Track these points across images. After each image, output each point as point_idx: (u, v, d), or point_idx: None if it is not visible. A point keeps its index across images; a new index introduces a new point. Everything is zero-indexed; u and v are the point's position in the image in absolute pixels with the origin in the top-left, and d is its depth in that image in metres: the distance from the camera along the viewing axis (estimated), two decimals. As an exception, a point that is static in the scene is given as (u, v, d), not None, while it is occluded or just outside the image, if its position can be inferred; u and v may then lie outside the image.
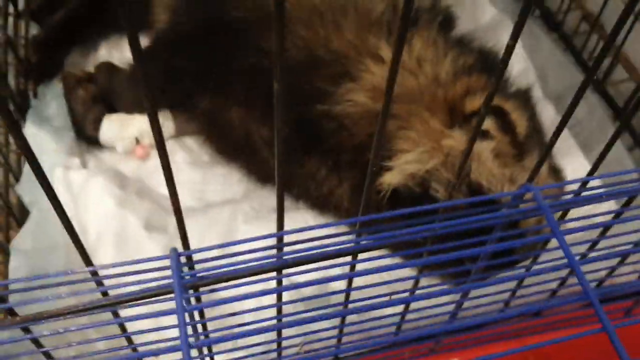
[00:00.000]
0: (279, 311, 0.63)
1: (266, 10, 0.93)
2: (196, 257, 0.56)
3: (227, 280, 0.54)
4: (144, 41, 1.08)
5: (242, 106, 0.97)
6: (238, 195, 1.05)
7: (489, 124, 0.90)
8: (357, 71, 0.92)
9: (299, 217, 1.02)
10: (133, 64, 1.06)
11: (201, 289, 0.54)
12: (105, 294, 0.52)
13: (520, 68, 1.23)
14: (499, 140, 0.90)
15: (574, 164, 1.12)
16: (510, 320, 0.81)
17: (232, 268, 0.55)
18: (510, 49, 0.44)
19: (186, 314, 0.47)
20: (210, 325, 0.60)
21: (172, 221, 0.98)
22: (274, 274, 0.57)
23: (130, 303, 0.50)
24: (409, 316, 0.72)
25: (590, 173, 0.62)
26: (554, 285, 0.75)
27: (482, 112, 0.49)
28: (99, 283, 0.53)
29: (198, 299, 0.57)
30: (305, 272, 0.56)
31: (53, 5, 1.13)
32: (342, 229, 0.75)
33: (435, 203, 0.87)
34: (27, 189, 0.95)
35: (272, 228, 1.00)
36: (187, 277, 0.53)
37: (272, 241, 0.56)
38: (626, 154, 1.12)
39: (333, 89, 0.92)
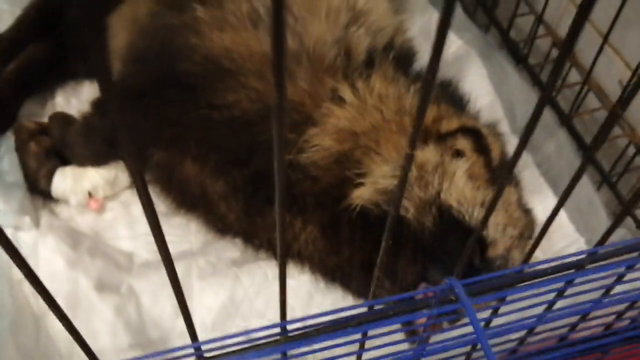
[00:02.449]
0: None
1: (215, 63, 0.91)
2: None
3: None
4: (95, 91, 1.06)
5: (196, 160, 0.95)
6: (195, 246, 1.03)
7: (464, 143, 0.89)
8: (319, 116, 0.90)
9: (259, 271, 0.99)
10: (86, 116, 1.05)
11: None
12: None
13: (487, 102, 1.21)
14: (473, 162, 0.89)
15: (544, 202, 1.10)
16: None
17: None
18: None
19: None
20: None
21: (125, 279, 0.97)
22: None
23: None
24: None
25: (557, 209, 0.59)
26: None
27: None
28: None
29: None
30: None
31: (5, 56, 1.11)
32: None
33: (403, 224, 0.87)
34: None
35: (228, 284, 0.98)
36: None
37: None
38: (594, 191, 1.10)
39: (295, 138, 0.90)
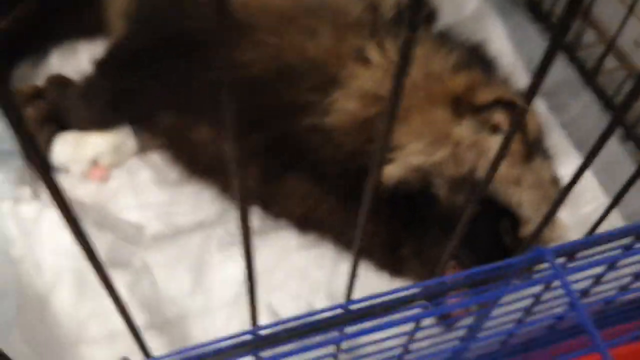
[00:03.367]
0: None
1: (229, 18, 0.83)
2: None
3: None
4: (98, 50, 0.98)
5: (212, 125, 0.88)
6: (211, 216, 0.96)
7: (501, 118, 0.83)
8: (343, 77, 0.83)
9: (279, 242, 0.93)
10: (87, 77, 0.97)
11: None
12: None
13: (507, 62, 1.15)
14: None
15: (570, 165, 1.05)
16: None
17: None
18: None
19: None
20: None
21: (137, 252, 0.90)
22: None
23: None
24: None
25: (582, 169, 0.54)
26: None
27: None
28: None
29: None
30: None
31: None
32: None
33: (435, 202, 0.82)
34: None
35: (249, 255, 0.92)
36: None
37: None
38: (622, 151, 1.06)
39: (318, 100, 0.83)
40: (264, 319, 0.88)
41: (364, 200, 0.40)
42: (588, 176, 1.09)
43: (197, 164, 0.95)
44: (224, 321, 0.86)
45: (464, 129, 0.83)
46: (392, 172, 0.81)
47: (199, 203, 0.97)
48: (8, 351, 0.76)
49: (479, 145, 0.83)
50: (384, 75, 0.85)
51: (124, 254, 0.88)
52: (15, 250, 0.85)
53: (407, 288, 0.47)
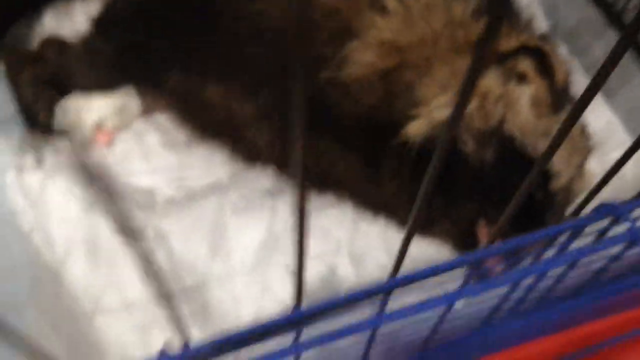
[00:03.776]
0: None
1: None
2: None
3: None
4: (94, 8, 0.92)
5: (220, 82, 0.83)
6: (223, 179, 0.92)
7: (526, 65, 0.78)
8: (358, 27, 0.78)
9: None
10: (87, 37, 0.92)
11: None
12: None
13: (524, 4, 1.09)
14: (537, 86, 0.78)
15: (595, 110, 1.01)
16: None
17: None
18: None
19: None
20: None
21: (151, 220, 0.86)
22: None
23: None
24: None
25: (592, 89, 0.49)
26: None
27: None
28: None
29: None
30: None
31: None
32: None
33: (460, 158, 0.78)
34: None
35: (265, 217, 0.89)
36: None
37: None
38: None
39: (334, 52, 0.78)
40: (284, 282, 0.85)
41: (427, 175, 0.35)
42: (614, 122, 1.04)
43: (206, 124, 0.91)
44: (244, 287, 0.83)
45: (490, 80, 0.78)
46: (418, 129, 0.77)
47: (211, 166, 0.93)
48: (23, 327, 0.74)
49: (506, 96, 0.78)
50: (401, 23, 0.80)
51: (137, 222, 0.84)
52: (23, 222, 0.81)
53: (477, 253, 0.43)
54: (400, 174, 0.81)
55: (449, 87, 0.77)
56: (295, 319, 0.40)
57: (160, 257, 0.82)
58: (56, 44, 0.93)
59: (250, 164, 0.91)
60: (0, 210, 0.80)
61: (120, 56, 0.86)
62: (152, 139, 0.94)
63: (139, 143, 0.94)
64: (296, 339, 0.44)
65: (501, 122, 0.77)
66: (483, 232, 0.77)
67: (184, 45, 0.82)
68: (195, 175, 0.92)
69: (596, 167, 0.92)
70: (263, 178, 0.91)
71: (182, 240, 0.84)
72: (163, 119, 0.97)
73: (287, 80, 0.76)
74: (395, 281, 0.44)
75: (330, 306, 0.41)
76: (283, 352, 0.40)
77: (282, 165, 0.90)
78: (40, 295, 0.78)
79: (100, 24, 0.88)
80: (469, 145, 0.77)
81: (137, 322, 0.79)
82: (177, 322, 0.41)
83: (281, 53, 0.79)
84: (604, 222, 0.46)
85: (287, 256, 0.86)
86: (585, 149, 0.85)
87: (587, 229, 0.48)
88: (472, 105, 0.77)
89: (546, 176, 0.80)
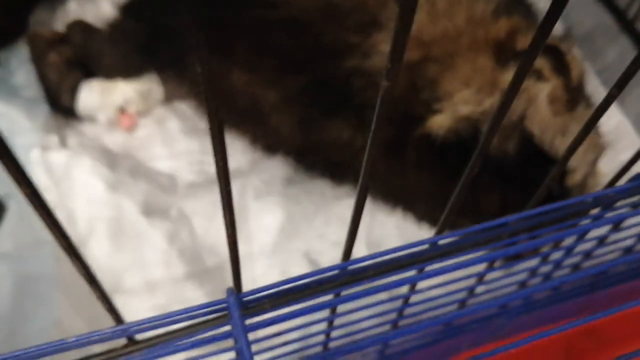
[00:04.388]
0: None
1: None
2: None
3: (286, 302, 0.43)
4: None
5: (245, 69, 0.84)
6: (244, 166, 0.93)
7: (542, 63, 0.80)
8: (384, 19, 0.80)
9: (316, 190, 0.91)
10: (115, 20, 0.93)
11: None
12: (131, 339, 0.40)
13: (544, 7, 1.11)
14: (554, 84, 0.80)
15: (606, 113, 1.03)
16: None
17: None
18: None
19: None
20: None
21: (175, 202, 0.87)
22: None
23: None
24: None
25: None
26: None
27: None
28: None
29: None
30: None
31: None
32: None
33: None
34: (1, 178, 0.81)
35: (285, 204, 0.90)
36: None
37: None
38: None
39: (360, 41, 0.80)
40: (302, 268, 0.86)
41: (469, 167, 0.37)
42: (624, 123, 1.06)
43: (228, 111, 0.92)
44: (264, 270, 0.84)
45: (510, 76, 0.80)
46: (441, 122, 0.78)
47: (231, 152, 0.93)
48: (47, 301, 0.74)
49: (526, 92, 0.80)
50: (426, 17, 0.82)
51: (160, 203, 0.85)
52: (46, 200, 0.82)
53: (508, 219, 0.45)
54: (423, 165, 0.82)
55: (472, 83, 0.79)
56: (347, 271, 0.41)
57: (184, 237, 0.83)
58: (82, 27, 0.94)
59: (271, 151, 0.92)
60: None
61: (148, 39, 0.87)
62: (173, 125, 0.95)
63: (160, 129, 0.95)
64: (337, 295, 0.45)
65: (522, 117, 0.79)
66: None
67: (212, 30, 0.83)
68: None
69: (606, 167, 0.94)
70: (283, 167, 0.92)
71: (204, 221, 0.85)
72: (184, 106, 0.98)
73: (312, 68, 0.78)
74: (437, 247, 0.45)
75: (378, 260, 0.43)
76: (332, 303, 0.41)
77: (302, 154, 0.91)
78: (64, 271, 0.78)
79: (130, 6, 0.89)
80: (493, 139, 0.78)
81: (158, 302, 0.80)
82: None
83: (308, 41, 0.81)
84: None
85: (305, 243, 0.87)
86: (599, 146, 0.87)
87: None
88: (494, 101, 0.79)
89: (562, 172, 0.82)
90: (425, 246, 0.43)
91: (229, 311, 0.37)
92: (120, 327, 0.36)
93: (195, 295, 0.81)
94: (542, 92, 0.80)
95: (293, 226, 0.88)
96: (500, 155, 0.79)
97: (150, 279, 0.80)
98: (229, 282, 0.82)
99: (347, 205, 0.90)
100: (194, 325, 0.39)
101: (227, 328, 0.38)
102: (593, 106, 0.91)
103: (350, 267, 0.41)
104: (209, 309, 0.37)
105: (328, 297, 0.43)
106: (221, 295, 0.40)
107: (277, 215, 0.87)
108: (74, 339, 0.34)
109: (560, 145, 0.81)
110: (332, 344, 0.55)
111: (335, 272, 0.41)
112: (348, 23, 0.81)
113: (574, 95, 0.83)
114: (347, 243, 0.42)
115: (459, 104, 0.79)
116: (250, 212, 0.87)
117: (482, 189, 0.81)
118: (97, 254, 0.82)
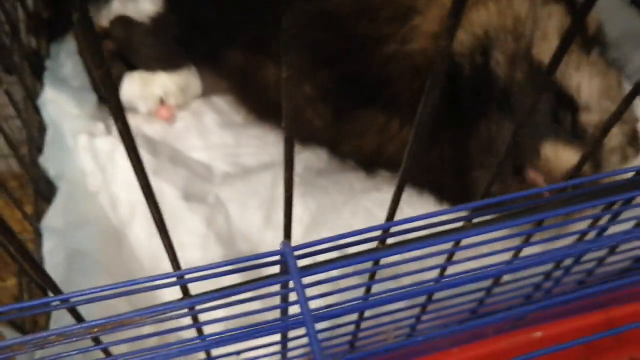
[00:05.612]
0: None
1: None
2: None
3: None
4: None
5: (280, 62, 0.87)
6: (277, 158, 0.97)
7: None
8: (421, 5, 0.84)
9: (346, 182, 0.94)
10: (156, 14, 0.97)
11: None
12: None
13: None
14: (562, 13, 0.84)
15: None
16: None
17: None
18: None
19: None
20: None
21: (211, 190, 0.91)
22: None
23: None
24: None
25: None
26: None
27: None
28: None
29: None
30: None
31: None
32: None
33: (494, 79, 0.81)
34: (52, 160, 0.86)
35: (317, 194, 0.93)
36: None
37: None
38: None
39: (396, 30, 0.83)
40: (329, 256, 0.89)
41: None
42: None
43: (263, 105, 0.96)
44: (293, 258, 0.87)
45: (520, 4, 0.83)
46: (460, 37, 0.81)
47: (264, 145, 0.98)
48: (93, 275, 0.78)
49: (534, 17, 0.83)
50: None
51: (198, 190, 0.89)
52: (91, 183, 0.86)
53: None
54: (449, 138, 0.85)
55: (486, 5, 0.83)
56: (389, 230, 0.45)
57: (220, 222, 0.87)
58: (125, 21, 0.99)
59: (304, 144, 0.96)
60: (72, 170, 0.85)
61: (188, 32, 0.91)
62: (209, 119, 0.99)
63: (197, 122, 0.99)
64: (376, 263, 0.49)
65: (530, 43, 0.81)
66: (534, 175, 0.79)
67: (249, 24, 0.87)
68: (250, 153, 0.96)
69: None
70: (314, 159, 0.96)
71: (239, 209, 0.88)
72: (220, 101, 1.02)
73: (346, 60, 0.81)
74: (474, 204, 0.48)
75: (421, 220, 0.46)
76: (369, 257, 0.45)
77: (335, 145, 0.95)
78: (105, 251, 0.82)
79: (171, 0, 0.93)
80: (501, 66, 0.81)
81: (193, 286, 0.83)
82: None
83: (342, 34, 0.84)
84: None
85: (333, 232, 0.89)
86: (633, 119, 0.88)
87: None
88: (508, 21, 0.82)
89: (573, 106, 0.82)
90: (464, 212, 0.46)
91: (285, 257, 0.40)
92: (179, 272, 0.40)
93: (229, 280, 0.84)
94: (551, 26, 0.83)
95: (322, 217, 0.91)
96: (509, 82, 0.81)
97: (187, 260, 0.84)
98: (260, 269, 0.85)
99: (374, 199, 0.93)
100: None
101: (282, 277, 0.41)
102: (622, 69, 0.93)
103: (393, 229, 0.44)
104: (265, 259, 0.40)
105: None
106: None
107: (307, 205, 0.90)
108: (144, 279, 0.38)
109: (573, 78, 0.82)
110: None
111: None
112: (381, 15, 0.84)
113: (588, 41, 0.85)
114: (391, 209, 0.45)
115: (475, 17, 0.82)
116: (281, 202, 0.90)
117: (492, 120, 0.82)
118: (137, 236, 0.85)
